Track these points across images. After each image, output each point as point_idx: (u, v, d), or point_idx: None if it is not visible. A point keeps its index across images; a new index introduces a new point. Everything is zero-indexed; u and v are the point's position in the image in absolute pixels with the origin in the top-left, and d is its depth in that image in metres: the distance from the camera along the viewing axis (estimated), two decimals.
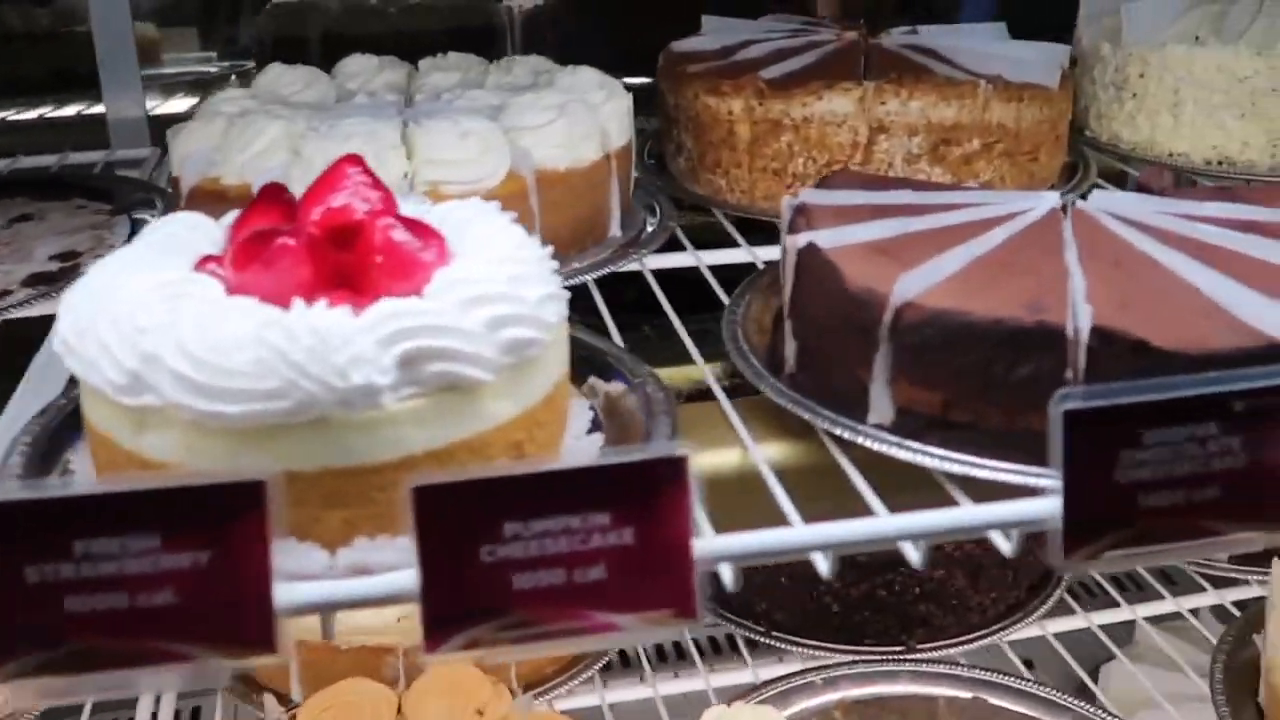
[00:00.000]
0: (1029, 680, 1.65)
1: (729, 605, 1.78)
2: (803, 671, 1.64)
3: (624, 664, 1.89)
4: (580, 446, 1.01)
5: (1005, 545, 0.91)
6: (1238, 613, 1.71)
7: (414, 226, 0.91)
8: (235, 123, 1.38)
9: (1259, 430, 0.88)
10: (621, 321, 1.33)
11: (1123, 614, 1.90)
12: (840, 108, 1.57)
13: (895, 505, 0.92)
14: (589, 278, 1.41)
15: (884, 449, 1.01)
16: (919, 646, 1.70)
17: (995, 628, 1.74)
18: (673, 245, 1.54)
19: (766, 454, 1.03)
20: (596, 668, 1.60)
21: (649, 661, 1.83)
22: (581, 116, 1.44)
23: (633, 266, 1.47)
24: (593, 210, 1.49)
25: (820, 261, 1.11)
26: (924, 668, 1.64)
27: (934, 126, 1.57)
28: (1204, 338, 0.95)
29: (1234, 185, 1.41)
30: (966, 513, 0.92)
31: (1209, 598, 1.87)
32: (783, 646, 1.72)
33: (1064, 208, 1.24)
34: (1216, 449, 0.88)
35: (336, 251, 0.89)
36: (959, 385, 1.01)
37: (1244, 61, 1.71)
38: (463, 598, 0.76)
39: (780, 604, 1.73)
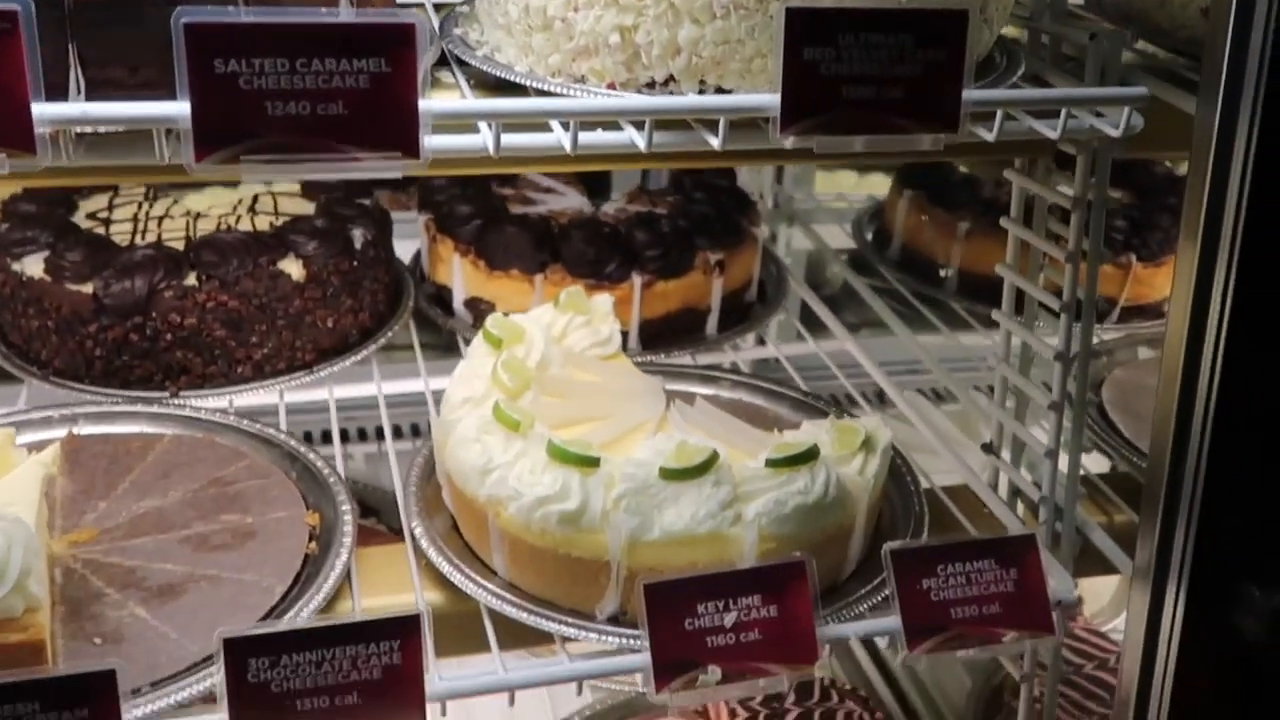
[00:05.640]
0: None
1: (19, 352, 1.83)
2: (43, 407, 1.71)
3: None
4: None
5: None
6: None
7: None
8: None
9: None
10: None
11: None
12: None
13: None
14: None
15: None
16: (183, 393, 1.77)
17: (272, 382, 1.81)
18: None
19: None
20: None
21: None
22: None
23: None
24: None
25: None
26: (156, 409, 1.71)
27: None
28: None
29: None
30: None
31: None
32: (61, 390, 1.77)
33: None
34: None
35: None
36: None
37: None
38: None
39: (56, 351, 1.78)
